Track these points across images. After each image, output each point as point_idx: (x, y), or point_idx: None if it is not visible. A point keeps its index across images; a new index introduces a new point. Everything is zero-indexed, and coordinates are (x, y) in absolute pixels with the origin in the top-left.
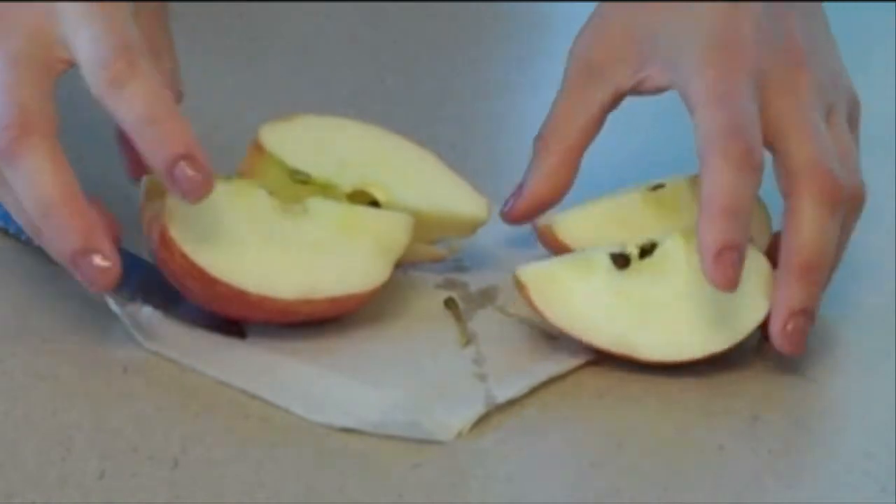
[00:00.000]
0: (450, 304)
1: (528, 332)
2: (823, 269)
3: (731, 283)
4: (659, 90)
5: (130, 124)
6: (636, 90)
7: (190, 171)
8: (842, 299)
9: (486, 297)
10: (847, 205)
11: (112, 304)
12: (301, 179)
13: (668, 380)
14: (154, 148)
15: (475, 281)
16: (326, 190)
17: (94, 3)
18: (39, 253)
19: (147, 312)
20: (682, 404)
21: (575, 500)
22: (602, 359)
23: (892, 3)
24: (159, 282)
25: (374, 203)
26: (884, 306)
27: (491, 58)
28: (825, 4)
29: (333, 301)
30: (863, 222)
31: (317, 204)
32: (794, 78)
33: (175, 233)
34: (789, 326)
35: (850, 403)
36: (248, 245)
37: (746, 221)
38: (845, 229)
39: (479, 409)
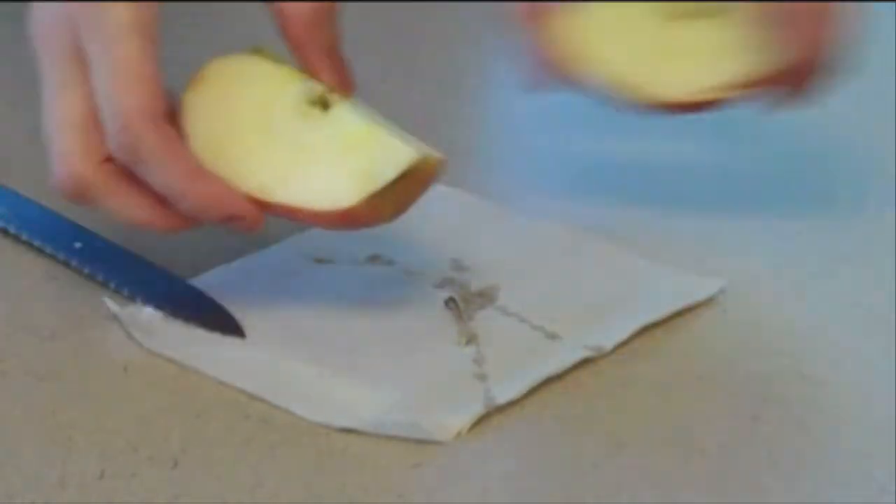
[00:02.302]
0: (450, 304)
1: (528, 332)
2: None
3: None
4: None
5: (163, 192)
6: None
7: (239, 226)
8: (842, 299)
9: (486, 297)
10: None
11: (112, 305)
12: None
13: (669, 380)
14: (196, 214)
15: (475, 281)
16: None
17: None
18: (39, 253)
19: (147, 312)
20: (682, 404)
21: (575, 500)
22: (602, 358)
23: (893, 3)
24: (160, 282)
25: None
26: (884, 306)
27: (491, 58)
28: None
29: (288, 209)
30: (862, 221)
31: (341, 111)
32: None
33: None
34: None
35: (850, 403)
36: (244, 130)
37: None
38: None
39: (478, 409)
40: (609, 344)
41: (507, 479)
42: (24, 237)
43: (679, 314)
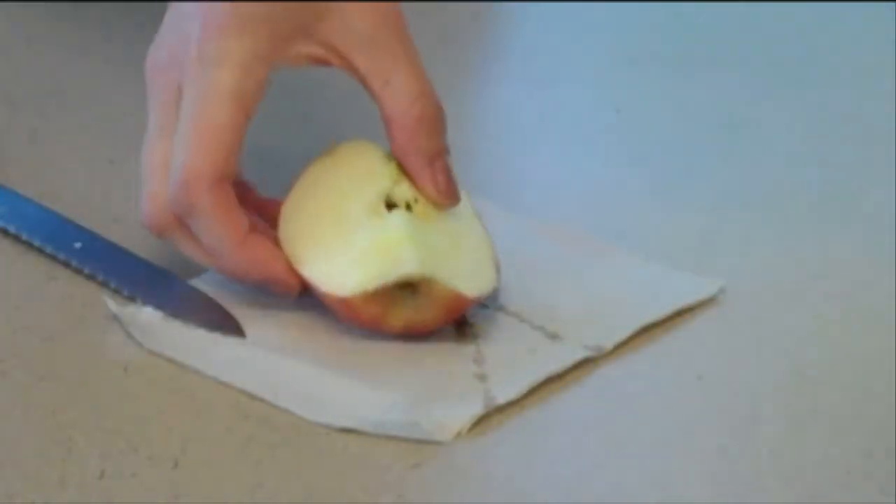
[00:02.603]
0: None
1: (528, 332)
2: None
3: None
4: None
5: (209, 248)
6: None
7: (274, 290)
8: (841, 299)
9: (487, 296)
10: None
11: (112, 305)
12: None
13: (669, 379)
14: (235, 275)
15: None
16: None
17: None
18: (39, 253)
19: (147, 312)
20: (682, 404)
21: (575, 500)
22: (602, 358)
23: (892, 3)
24: (160, 282)
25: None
26: (883, 306)
27: (490, 57)
28: (827, 5)
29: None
30: (862, 221)
31: (396, 216)
32: None
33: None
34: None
35: (850, 403)
36: (320, 208)
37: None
38: None
39: (478, 409)
40: (609, 344)
41: (507, 479)
42: (24, 237)
43: (679, 314)
